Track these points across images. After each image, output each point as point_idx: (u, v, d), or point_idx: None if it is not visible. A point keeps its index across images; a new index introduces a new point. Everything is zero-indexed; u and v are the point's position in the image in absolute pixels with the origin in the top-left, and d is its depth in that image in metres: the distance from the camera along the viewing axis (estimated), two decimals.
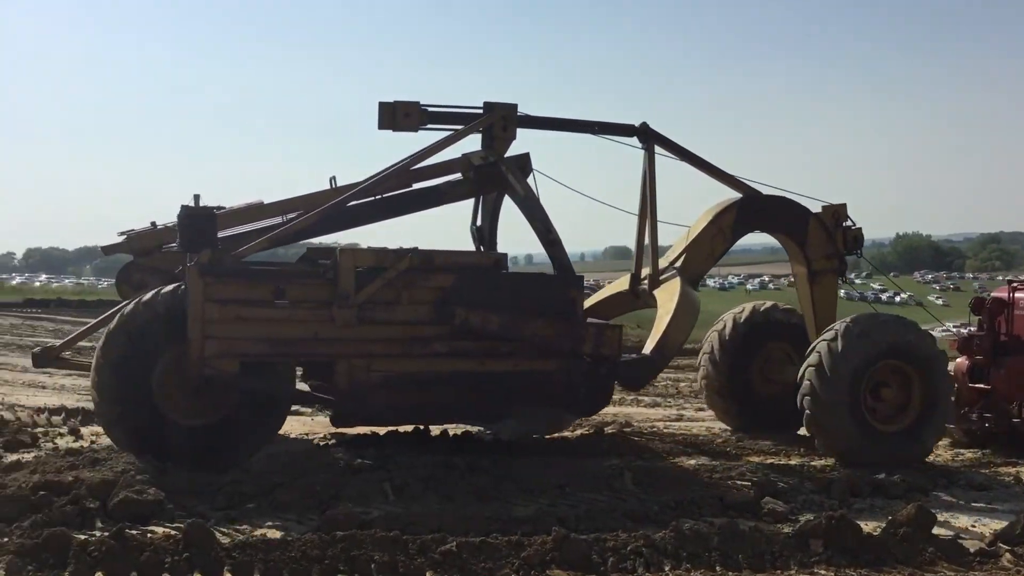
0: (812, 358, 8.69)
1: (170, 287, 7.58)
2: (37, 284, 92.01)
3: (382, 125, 8.69)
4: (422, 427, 9.16)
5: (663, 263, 9.72)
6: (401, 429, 9.15)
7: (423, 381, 7.88)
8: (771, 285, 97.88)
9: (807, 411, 8.64)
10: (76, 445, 8.42)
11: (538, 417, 8.90)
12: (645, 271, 9.74)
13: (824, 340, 8.72)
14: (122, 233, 8.77)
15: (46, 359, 8.64)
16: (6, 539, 5.20)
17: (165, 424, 7.41)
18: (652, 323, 9.21)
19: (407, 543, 5.40)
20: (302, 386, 8.57)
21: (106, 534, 5.19)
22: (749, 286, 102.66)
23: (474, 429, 9.60)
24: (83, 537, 5.21)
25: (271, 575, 4.96)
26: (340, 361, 7.67)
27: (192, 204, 8.04)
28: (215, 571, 4.93)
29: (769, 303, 10.83)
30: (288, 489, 6.70)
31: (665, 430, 10.54)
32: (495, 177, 8.99)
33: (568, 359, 8.24)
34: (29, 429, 9.16)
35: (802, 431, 9.26)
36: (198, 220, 7.90)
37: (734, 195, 9.97)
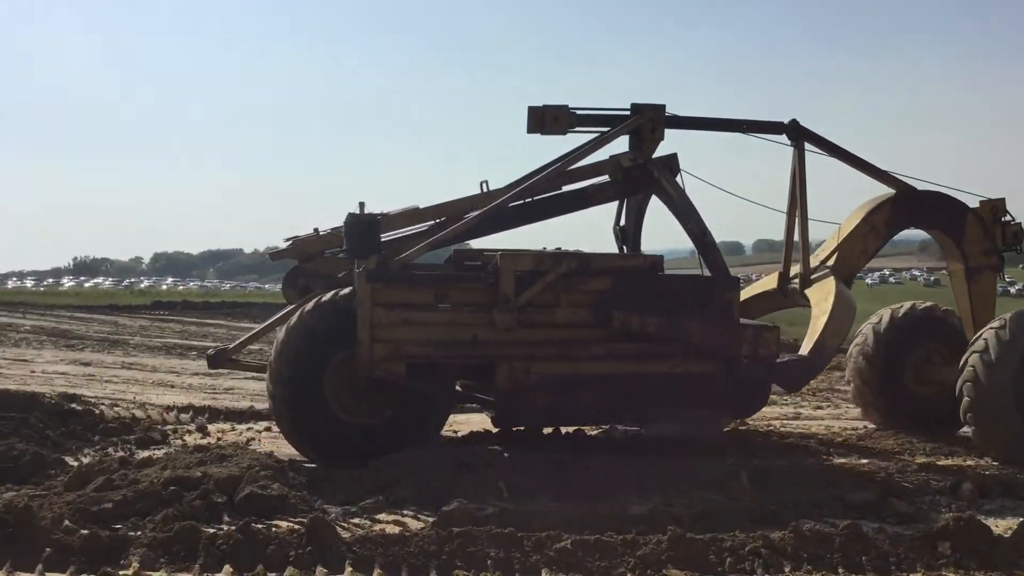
0: (978, 344, 8.48)
1: (340, 291, 7.95)
2: (164, 287, 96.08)
3: (531, 129, 8.88)
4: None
5: (813, 261, 9.57)
6: (514, 427, 9.22)
7: (581, 383, 7.99)
8: (892, 279, 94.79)
9: (966, 398, 8.40)
10: (203, 442, 8.73)
11: (695, 419, 8.91)
12: (794, 270, 9.58)
13: (991, 328, 8.48)
14: (288, 239, 9.14)
15: (219, 360, 9.08)
16: (140, 532, 5.43)
17: (336, 424, 7.77)
18: (803, 322, 9.06)
19: (522, 540, 5.42)
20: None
21: (233, 528, 5.39)
22: (868, 280, 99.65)
23: (592, 428, 9.58)
24: (211, 531, 5.41)
25: (390, 570, 5.05)
26: (500, 363, 7.86)
27: (357, 211, 8.34)
28: (337, 565, 5.05)
29: (929, 303, 10.49)
30: (405, 485, 6.82)
31: (782, 428, 10.32)
32: (643, 179, 9.05)
33: (726, 361, 8.23)
34: (159, 426, 9.54)
35: (964, 431, 8.98)
36: (363, 227, 8.26)
37: (887, 191, 9.72)
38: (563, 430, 9.30)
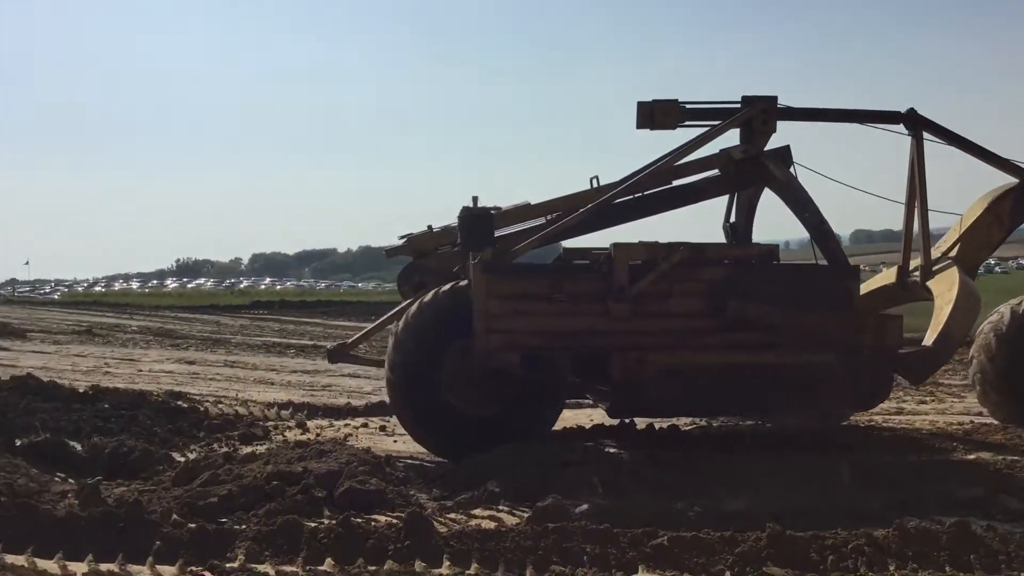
0: None
1: (450, 286, 8.12)
2: (262, 287, 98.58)
3: (640, 124, 8.90)
4: (628, 421, 9.17)
5: (934, 253, 9.31)
6: (608, 423, 9.19)
7: (697, 373, 7.94)
8: (997, 268, 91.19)
9: None
10: (303, 437, 8.93)
11: (815, 411, 8.72)
12: (914, 262, 9.33)
13: None
14: (402, 237, 9.39)
15: (339, 355, 9.36)
16: (244, 526, 5.58)
17: (453, 415, 7.93)
18: (923, 313, 8.82)
19: (618, 536, 5.39)
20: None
21: (333, 522, 5.50)
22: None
23: (683, 422, 9.49)
24: (313, 524, 5.52)
25: (487, 564, 5.08)
26: (615, 354, 7.87)
27: (471, 205, 8.58)
28: (435, 559, 5.10)
29: None
30: (499, 481, 6.85)
31: (884, 424, 10.04)
32: (755, 171, 8.97)
33: (847, 351, 8.07)
34: (261, 423, 9.81)
35: None
36: (477, 220, 8.52)
37: (1009, 180, 9.39)
38: (656, 425, 9.24)
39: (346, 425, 9.91)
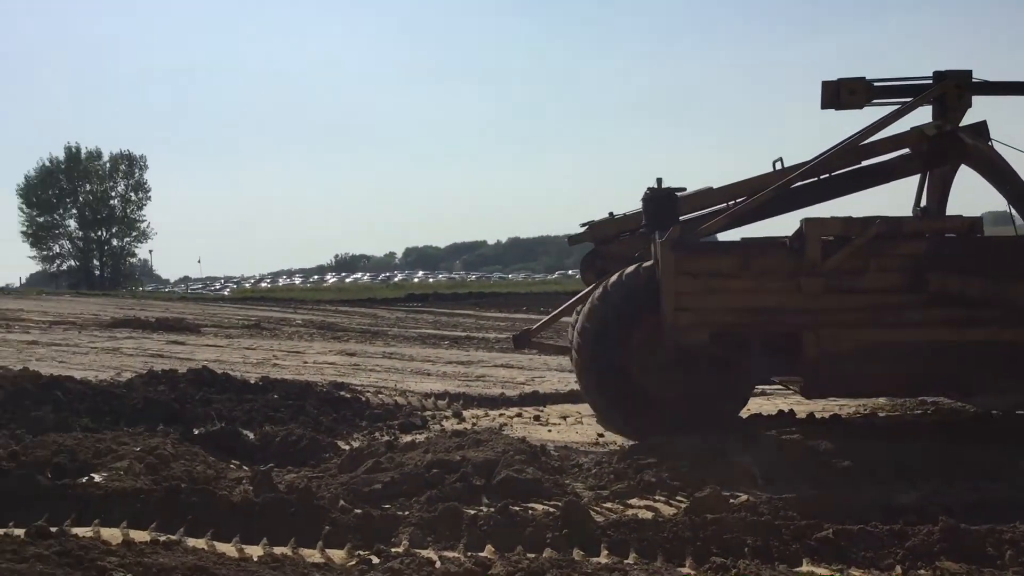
0: None
1: (636, 266, 8.22)
2: (415, 280, 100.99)
3: (825, 104, 8.68)
4: (786, 410, 8.94)
5: None
6: (765, 411, 8.97)
7: (895, 351, 7.67)
8: None
9: None
10: (460, 427, 9.10)
11: (1021, 391, 8.34)
12: None
13: None
14: (583, 224, 9.55)
15: (523, 341, 9.62)
16: (407, 512, 5.74)
17: (642, 396, 8.05)
18: None
19: (780, 528, 5.28)
20: None
21: (492, 509, 5.60)
22: None
23: (845, 411, 9.17)
24: (472, 512, 5.63)
25: (646, 555, 5.06)
26: (807, 332, 7.72)
27: (655, 187, 8.70)
28: (593, 548, 5.12)
29: None
30: (655, 470, 6.80)
31: None
32: (950, 148, 8.62)
33: None
34: (419, 412, 10.05)
35: None
36: (662, 201, 8.60)
37: None
38: (817, 413, 8.97)
39: (500, 415, 10.05)
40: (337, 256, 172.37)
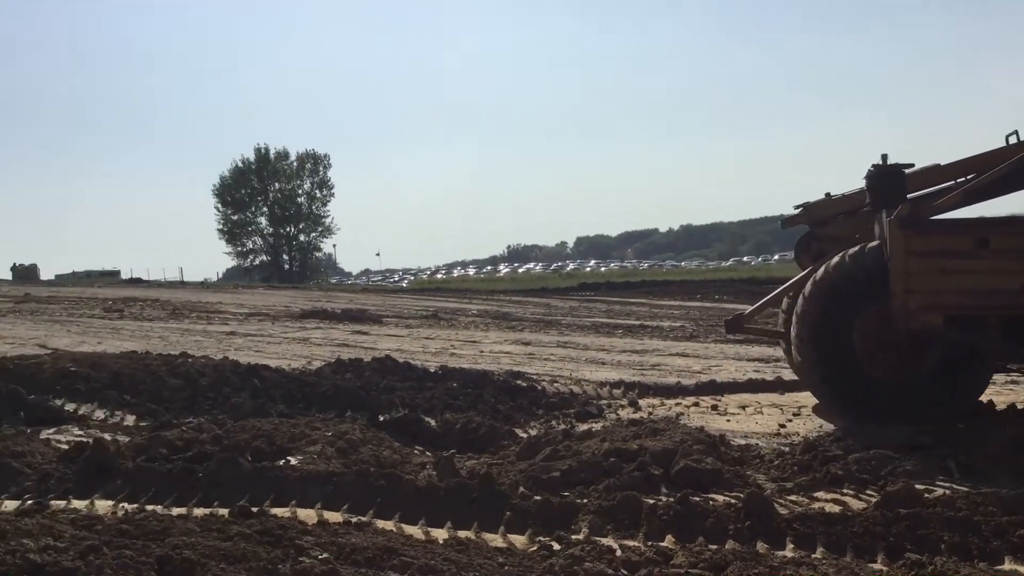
0: None
1: (860, 247, 7.99)
2: (587, 269, 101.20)
3: None
4: (985, 400, 8.42)
5: None
6: None
7: None
8: None
9: None
10: (636, 416, 9.05)
11: None
12: None
13: None
14: (798, 206, 9.42)
15: (736, 326, 9.63)
16: (586, 500, 5.76)
17: (868, 381, 7.85)
18: None
19: (980, 525, 4.99)
20: None
21: (672, 499, 5.54)
22: None
23: None
24: (651, 501, 5.60)
25: (834, 549, 4.89)
26: None
27: (881, 163, 8.41)
28: (777, 541, 4.99)
29: None
30: (842, 462, 6.56)
31: None
32: None
33: None
34: (595, 401, 10.07)
35: None
36: (888, 178, 8.28)
37: None
38: (1019, 404, 8.40)
39: (677, 404, 9.93)
40: (509, 247, 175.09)
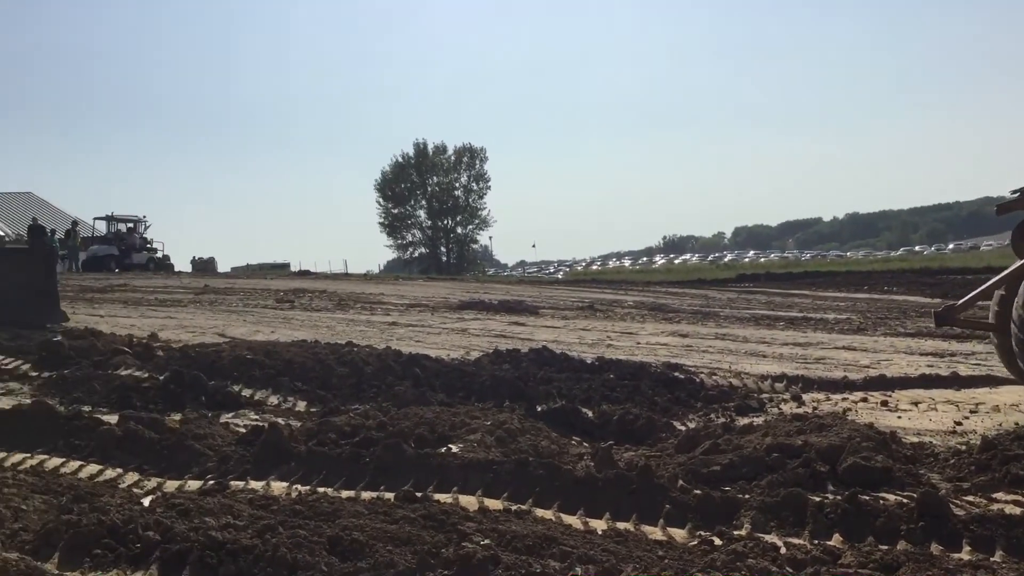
0: None
1: None
2: (746, 260, 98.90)
3: None
4: None
5: None
6: None
7: None
8: None
9: None
10: (799, 410, 8.80)
11: None
12: None
13: None
14: (1015, 191, 9.09)
15: (947, 317, 9.36)
16: (748, 496, 5.64)
17: None
18: None
19: None
20: None
21: (839, 497, 5.36)
22: None
23: None
24: (817, 499, 5.43)
25: (1015, 553, 4.61)
26: None
27: None
28: (953, 543, 4.75)
29: None
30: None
31: None
32: None
33: None
34: (755, 395, 9.84)
35: None
36: None
37: None
38: None
39: (843, 399, 9.58)
40: (665, 237, 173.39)
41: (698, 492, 5.57)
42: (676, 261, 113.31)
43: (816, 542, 4.81)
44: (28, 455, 6.60)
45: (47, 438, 6.93)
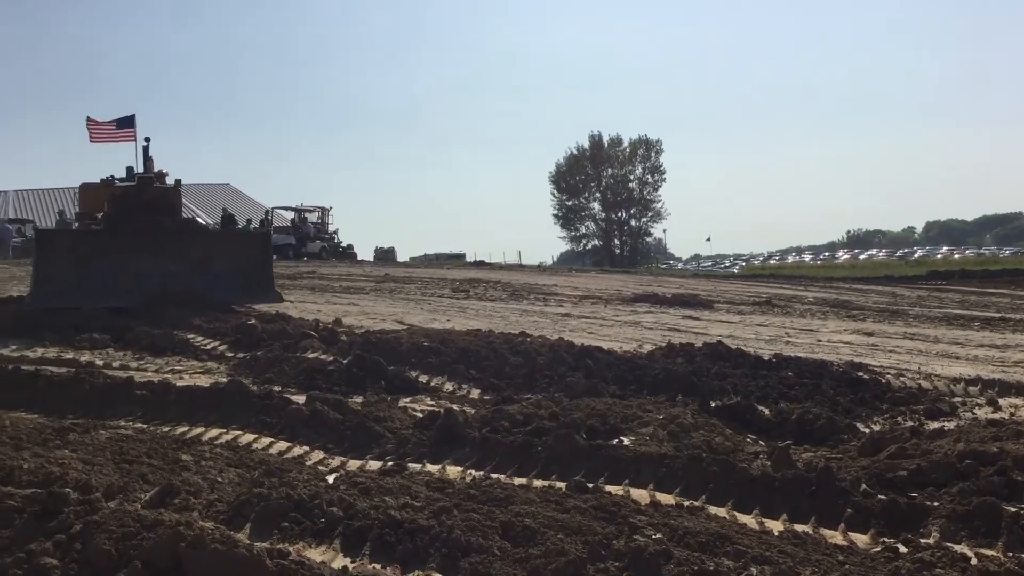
0: None
1: None
2: (938, 256, 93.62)
3: None
4: None
5: None
6: None
7: None
8: None
9: None
10: (996, 416, 8.26)
11: None
12: None
13: None
14: None
15: None
16: (937, 503, 5.36)
17: None
18: None
19: None
20: None
21: None
22: None
23: None
24: (1013, 509, 5.09)
25: None
26: None
27: None
28: None
29: None
30: None
31: None
32: None
33: None
34: (946, 398, 9.31)
35: None
36: None
37: None
38: None
39: None
40: (849, 232, 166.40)
41: (882, 497, 5.33)
42: (861, 257, 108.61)
43: (1011, 554, 4.52)
44: (224, 430, 7.04)
45: (241, 415, 7.38)
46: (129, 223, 15.94)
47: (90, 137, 21.05)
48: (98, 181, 18.00)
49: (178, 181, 17.79)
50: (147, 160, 18.10)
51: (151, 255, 15.58)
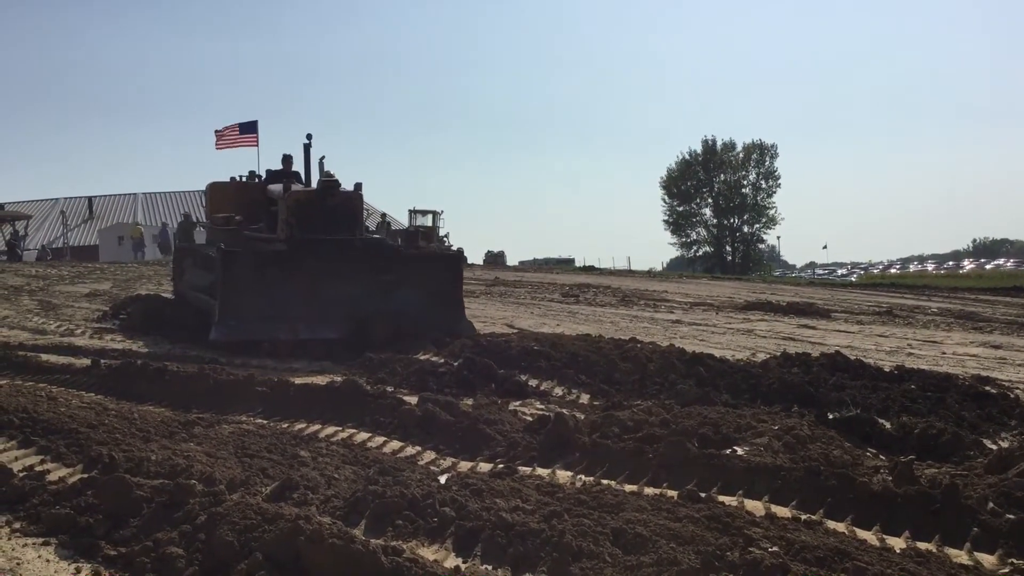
0: None
1: None
2: None
3: None
4: None
5: None
6: None
7: None
8: None
9: None
10: None
11: None
12: None
13: None
14: None
15: None
16: None
17: None
18: None
19: None
20: None
21: None
22: None
23: None
24: None
25: None
26: None
27: None
28: None
29: None
30: None
31: None
32: None
33: None
34: None
35: None
36: None
37: None
38: None
39: None
40: (975, 240, 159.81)
41: (1011, 516, 5.08)
42: (988, 266, 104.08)
43: None
44: (339, 428, 7.20)
45: (355, 413, 7.53)
46: (312, 234, 13.31)
47: (216, 144, 21.81)
48: (227, 180, 17.87)
49: (358, 185, 14.38)
50: (319, 163, 15.72)
51: (339, 279, 12.96)
